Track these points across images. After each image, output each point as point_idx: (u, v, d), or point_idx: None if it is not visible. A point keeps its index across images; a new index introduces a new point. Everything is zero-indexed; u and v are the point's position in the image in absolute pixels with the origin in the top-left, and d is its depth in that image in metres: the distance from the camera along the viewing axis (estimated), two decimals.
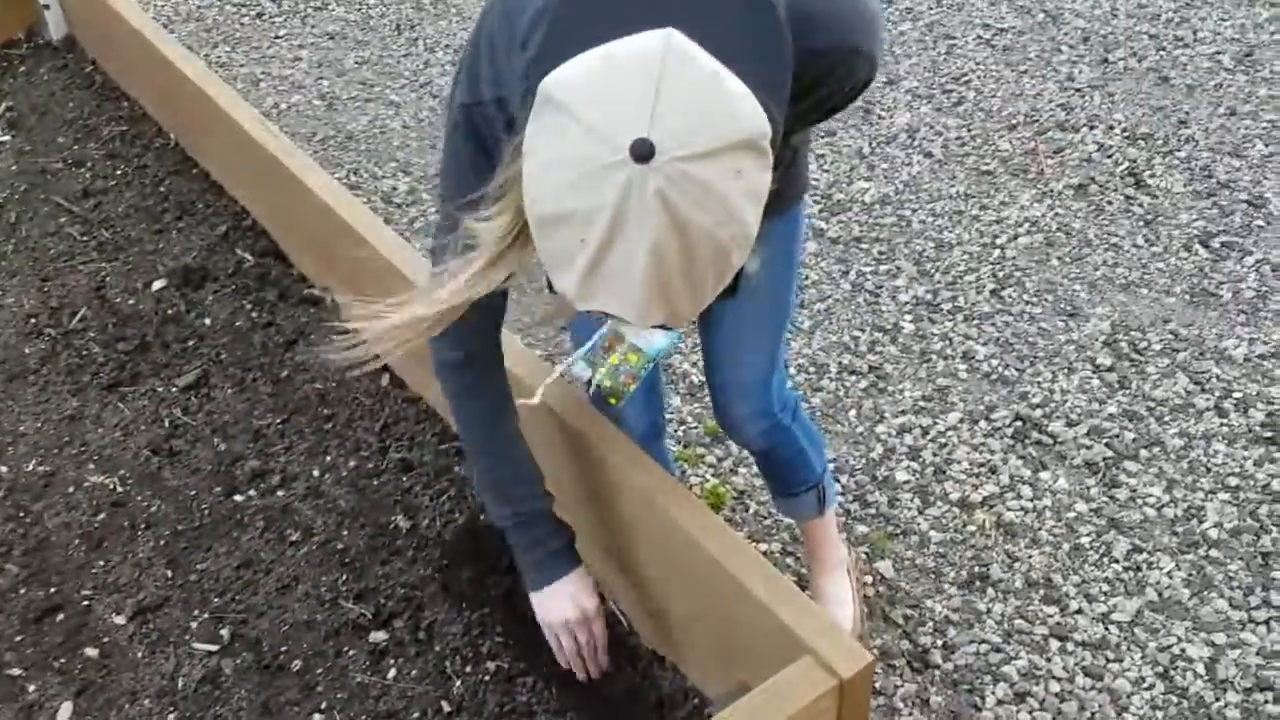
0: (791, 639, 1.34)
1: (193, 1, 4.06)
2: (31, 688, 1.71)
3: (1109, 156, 3.19)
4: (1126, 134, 3.26)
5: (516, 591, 1.79)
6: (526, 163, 0.97)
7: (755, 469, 2.31)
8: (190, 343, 2.32)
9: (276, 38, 3.79)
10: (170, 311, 2.39)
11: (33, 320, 2.36)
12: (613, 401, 1.57)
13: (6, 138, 2.96)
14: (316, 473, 2.05)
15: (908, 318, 2.70)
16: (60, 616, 1.80)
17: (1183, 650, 1.95)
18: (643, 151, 0.89)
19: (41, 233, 2.61)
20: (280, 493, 2.02)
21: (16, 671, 1.73)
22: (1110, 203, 3.02)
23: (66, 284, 2.46)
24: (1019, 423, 2.40)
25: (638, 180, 0.90)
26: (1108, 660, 1.95)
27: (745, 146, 0.93)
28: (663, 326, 1.03)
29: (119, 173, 2.82)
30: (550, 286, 1.05)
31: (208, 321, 2.37)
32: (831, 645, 1.32)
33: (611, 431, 1.65)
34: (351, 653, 1.77)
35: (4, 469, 2.05)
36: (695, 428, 2.42)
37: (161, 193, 2.74)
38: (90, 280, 2.47)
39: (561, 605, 1.56)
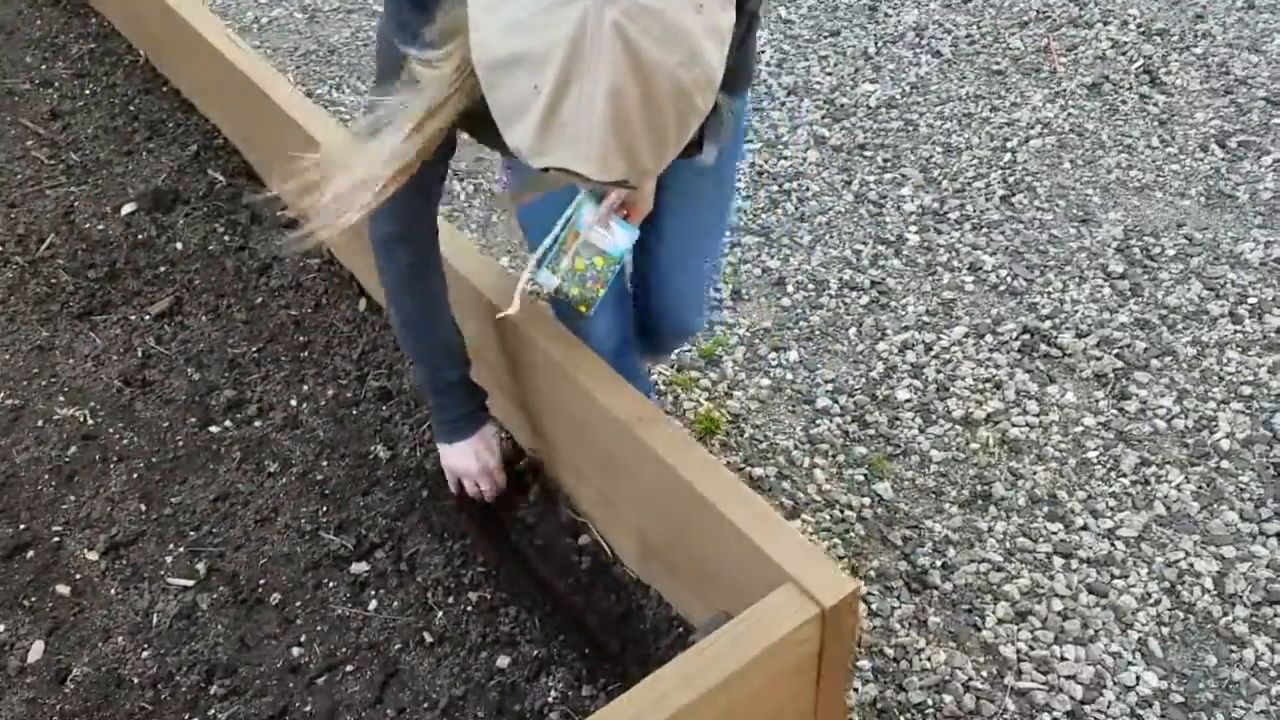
0: (772, 567, 1.27)
1: None
2: (1, 627, 1.67)
3: (1123, 54, 3.04)
4: (1141, 29, 3.10)
5: (495, 518, 1.75)
6: (473, 4, 0.92)
7: (750, 393, 2.24)
8: (162, 269, 2.24)
9: None
10: (141, 236, 2.30)
11: (0, 248, 2.29)
12: (583, 309, 1.50)
13: None
14: (294, 402, 1.98)
15: (913, 229, 2.59)
16: (30, 554, 1.76)
17: (1190, 565, 1.88)
18: None
19: (8, 157, 2.52)
20: (257, 423, 1.96)
21: None
22: (1124, 102, 2.88)
23: (34, 209, 2.38)
24: (1026, 335, 2.31)
25: (594, 13, 0.84)
26: (1113, 576, 1.88)
27: None
28: (622, 183, 0.95)
29: (87, 92, 2.71)
30: (504, 150, 0.99)
31: (179, 246, 2.28)
32: (814, 573, 1.25)
33: (586, 354, 1.57)
34: (332, 585, 1.72)
35: None
36: (688, 351, 2.33)
37: (131, 112, 2.63)
38: (58, 205, 2.38)
39: (465, 459, 1.66)
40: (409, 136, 1.06)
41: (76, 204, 2.38)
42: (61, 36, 2.90)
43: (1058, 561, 1.91)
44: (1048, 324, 2.33)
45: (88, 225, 2.33)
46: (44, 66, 2.80)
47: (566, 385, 1.58)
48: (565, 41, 0.85)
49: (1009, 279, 2.44)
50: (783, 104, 2.99)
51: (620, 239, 1.46)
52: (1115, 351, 2.26)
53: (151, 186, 2.40)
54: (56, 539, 1.77)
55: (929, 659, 1.77)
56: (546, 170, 0.94)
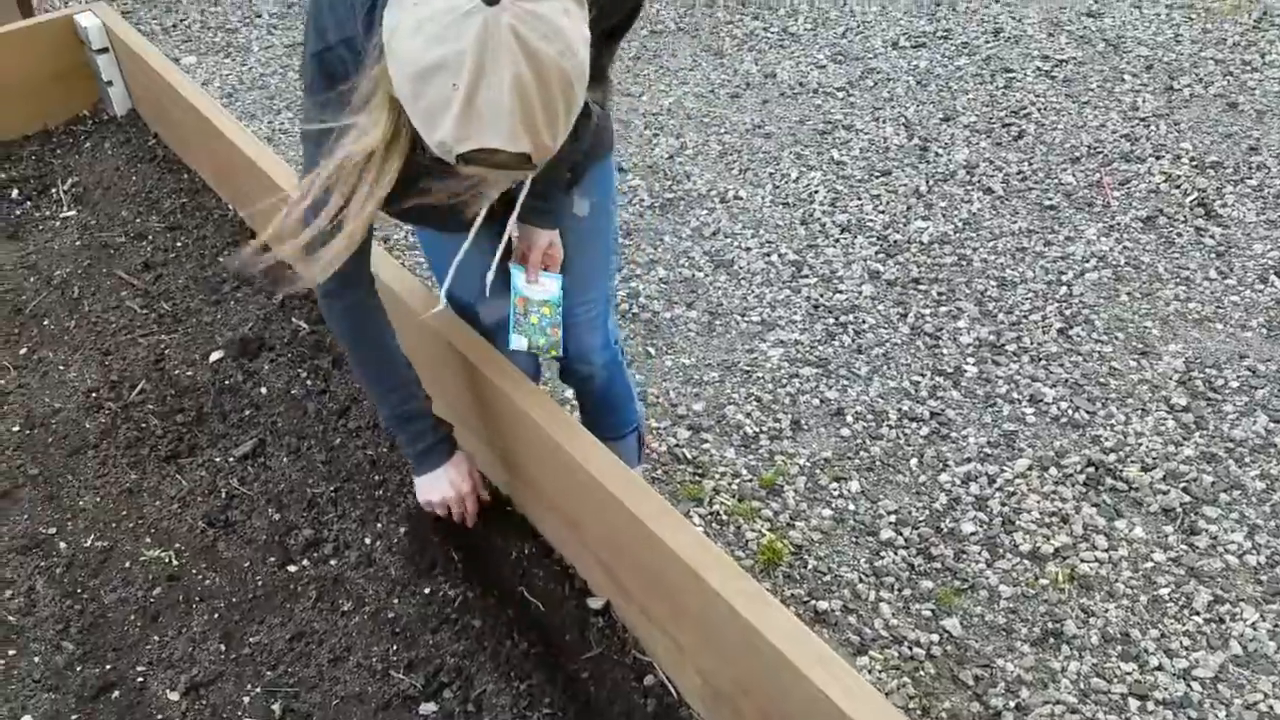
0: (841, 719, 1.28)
1: (257, 70, 4.17)
2: None
3: (1177, 187, 3.09)
4: (1195, 163, 3.16)
5: (562, 663, 1.77)
6: (392, 41, 1.13)
7: (812, 523, 2.26)
8: (247, 412, 2.34)
9: None
10: (228, 382, 2.41)
11: (94, 394, 2.41)
12: (553, 354, 1.85)
13: (72, 213, 3.04)
14: (368, 540, 2.04)
15: (970, 360, 2.62)
16: (115, 694, 1.81)
17: (1271, 708, 1.84)
18: None
19: (104, 307, 2.67)
20: (333, 562, 2.02)
21: None
22: (1180, 235, 2.92)
23: (127, 357, 2.51)
24: (1091, 468, 2.31)
25: (492, 20, 1.07)
26: (1190, 719, 1.85)
27: None
28: (526, 159, 1.15)
29: (179, 245, 2.87)
30: (425, 152, 1.19)
31: (264, 390, 2.39)
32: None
33: (638, 484, 1.62)
34: None
35: (63, 545, 2.08)
36: (750, 480, 2.37)
37: (220, 263, 2.79)
38: (150, 353, 2.51)
39: (441, 488, 1.85)
40: (370, 187, 1.28)
41: (167, 351, 2.51)
42: (155, 192, 3.09)
43: (1133, 703, 1.88)
44: (1112, 457, 2.33)
45: (177, 371, 2.45)
46: (139, 220, 2.98)
47: (632, 526, 1.62)
48: (473, 44, 1.07)
49: (1070, 411, 2.45)
50: (837, 240, 3.07)
51: (552, 286, 1.81)
52: (1182, 485, 2.25)
53: (238, 334, 2.53)
54: (140, 679, 1.83)
55: None
56: (465, 160, 1.14)
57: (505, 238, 1.71)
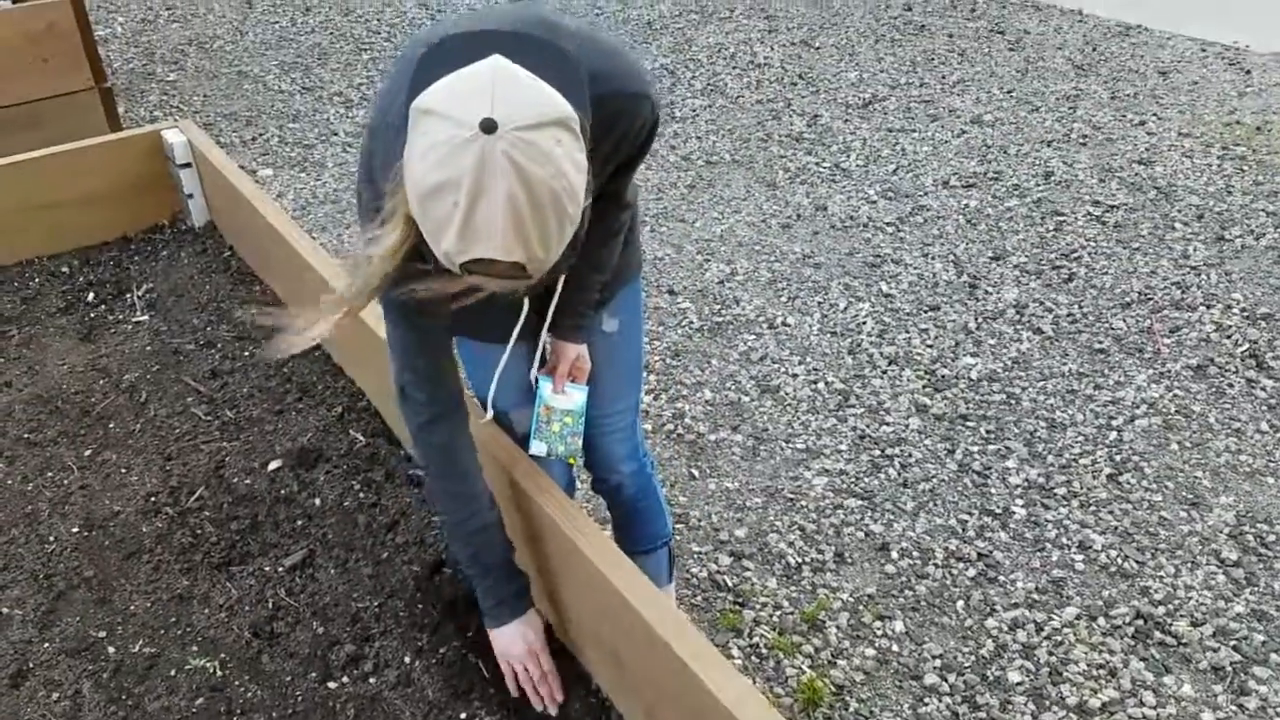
0: None
1: (330, 185, 4.34)
2: None
3: (1228, 337, 3.10)
4: (1246, 314, 3.16)
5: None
6: (407, 168, 1.25)
7: (855, 663, 2.23)
8: (299, 522, 2.39)
9: None
10: (284, 491, 2.47)
11: (153, 499, 2.47)
12: (571, 461, 1.95)
13: (144, 318, 3.16)
14: (407, 659, 2.06)
15: (1019, 502, 2.61)
16: None
17: None
18: (489, 125, 1.18)
19: (169, 412, 2.76)
20: (372, 680, 2.03)
21: None
22: (1231, 385, 2.92)
23: (188, 463, 2.58)
24: (1140, 620, 2.28)
25: (489, 146, 1.18)
26: None
27: (561, 124, 1.22)
28: (521, 268, 1.25)
29: (246, 354, 2.97)
30: (436, 263, 1.31)
31: (317, 501, 2.44)
32: None
33: (705, 647, 1.62)
34: None
35: (112, 650, 2.11)
36: (791, 613, 2.35)
37: (285, 374, 2.87)
38: (210, 459, 2.58)
39: (514, 642, 1.87)
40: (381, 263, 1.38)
41: (227, 459, 2.58)
42: (227, 302, 3.21)
43: None
44: (1161, 610, 2.30)
45: (235, 479, 2.51)
46: (209, 329, 3.09)
47: (679, 670, 1.62)
48: (472, 167, 1.19)
49: (1119, 560, 2.43)
50: (884, 372, 3.09)
51: (577, 397, 1.89)
52: (1232, 643, 2.21)
53: (298, 445, 2.60)
54: None
55: None
56: (466, 269, 1.25)
57: (539, 350, 1.83)
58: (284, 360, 2.91)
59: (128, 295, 3.28)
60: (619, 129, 1.51)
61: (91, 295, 3.28)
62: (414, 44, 1.50)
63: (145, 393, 2.83)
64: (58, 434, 2.71)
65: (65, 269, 3.45)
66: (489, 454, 1.99)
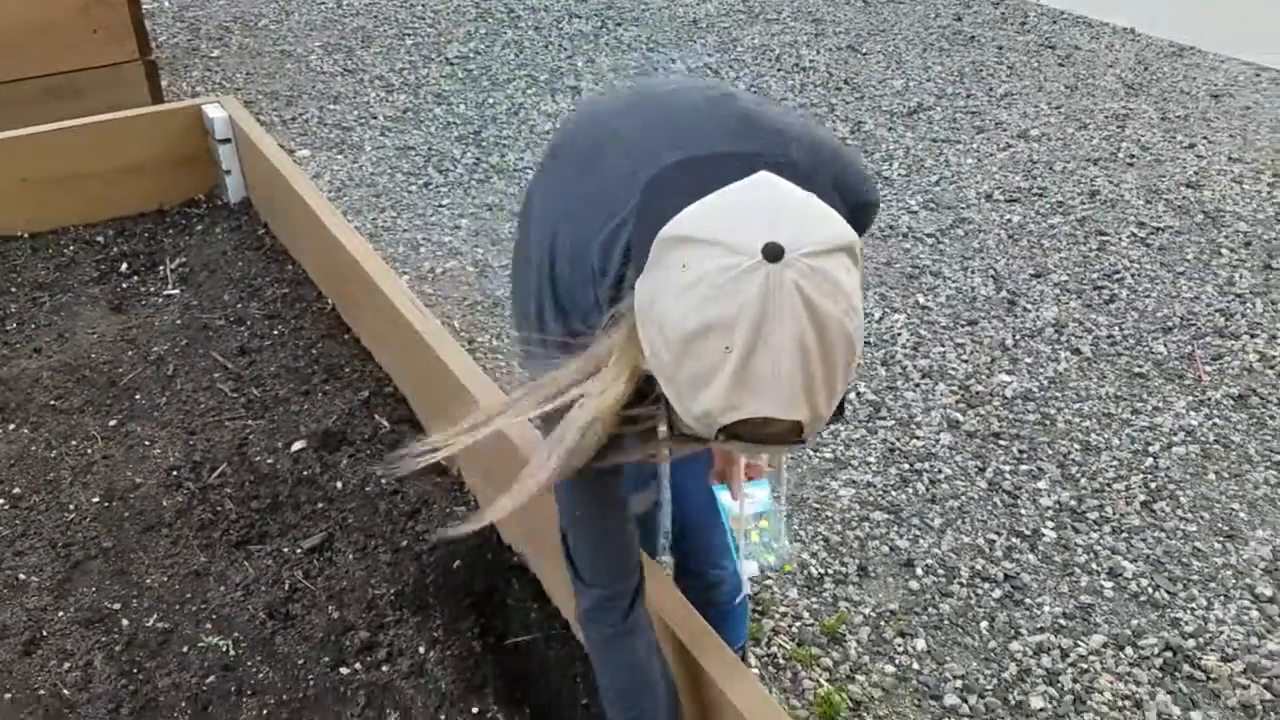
0: None
1: (367, 168, 4.33)
2: None
3: (1271, 367, 3.03)
4: None
5: None
6: (655, 307, 1.04)
7: (873, 679, 2.19)
8: (320, 505, 2.37)
9: (439, 206, 3.99)
10: (306, 473, 2.45)
11: (174, 473, 2.46)
12: (787, 568, 1.81)
13: (175, 292, 3.16)
14: (421, 649, 2.03)
15: (1049, 524, 2.56)
16: None
17: None
18: (775, 251, 0.97)
19: (195, 386, 2.75)
20: (385, 668, 2.01)
21: None
22: (1273, 416, 2.85)
23: (211, 439, 2.57)
24: (1169, 653, 2.22)
25: (775, 276, 0.97)
26: None
27: (847, 250, 1.02)
28: (798, 429, 1.03)
29: (275, 333, 2.96)
30: (671, 428, 1.10)
31: (339, 485, 2.42)
32: None
33: (715, 642, 1.59)
34: None
35: (125, 623, 2.10)
36: (811, 625, 2.31)
37: (313, 355, 2.86)
38: (234, 437, 2.57)
39: None
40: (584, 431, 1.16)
41: (251, 437, 2.57)
42: (259, 279, 3.20)
43: None
44: (1191, 643, 2.24)
45: (258, 458, 2.50)
46: (239, 305, 3.08)
47: (699, 677, 1.59)
48: (754, 302, 0.97)
49: (1150, 589, 2.37)
50: (917, 385, 3.05)
51: (760, 495, 1.69)
52: (1264, 681, 2.15)
53: (322, 427, 2.58)
54: None
55: None
56: (728, 433, 1.03)
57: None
58: (314, 341, 2.90)
59: (160, 268, 3.28)
60: None
61: (125, 266, 3.29)
62: (568, 140, 1.33)
63: (173, 366, 2.83)
64: (84, 402, 2.70)
65: (100, 239, 3.45)
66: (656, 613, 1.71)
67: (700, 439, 1.08)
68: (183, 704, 1.93)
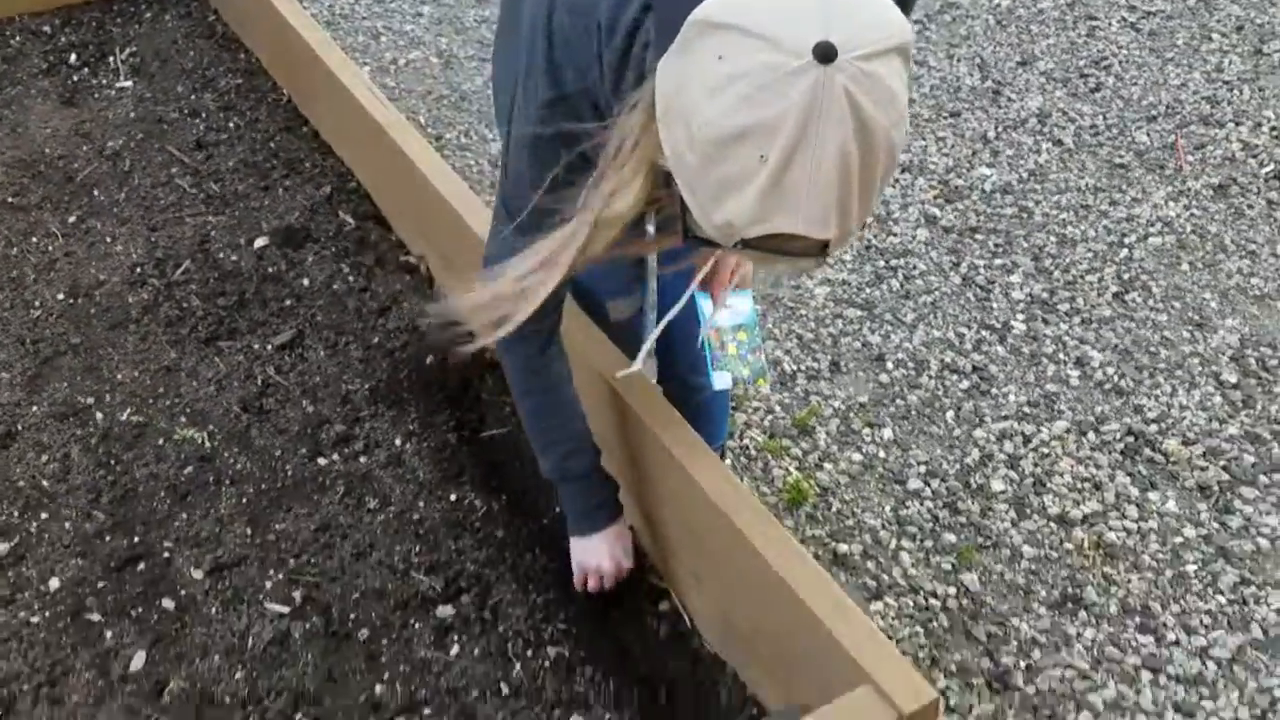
0: (851, 664, 1.28)
1: None
2: (109, 634, 1.75)
3: (1254, 156, 2.99)
4: (1275, 133, 3.05)
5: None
6: (681, 98, 0.96)
7: (841, 466, 2.24)
8: (288, 302, 2.35)
9: None
10: (271, 270, 2.42)
11: (138, 269, 2.42)
12: (761, 383, 1.73)
13: (128, 84, 3.03)
14: (398, 441, 2.06)
15: (1020, 317, 2.57)
16: (141, 566, 1.85)
17: None
18: (828, 52, 0.89)
19: (154, 182, 2.67)
20: (362, 459, 2.03)
21: (96, 617, 1.78)
22: (1251, 206, 2.83)
23: (173, 235, 2.51)
24: (1130, 437, 2.28)
25: (825, 80, 0.89)
26: (1201, 697, 1.84)
27: (901, 51, 0.94)
28: (824, 247, 0.98)
29: (232, 125, 2.86)
30: (686, 233, 1.03)
31: (306, 282, 2.39)
32: (894, 676, 1.26)
33: (686, 432, 1.61)
34: (418, 625, 1.77)
35: (99, 416, 2.11)
36: (783, 419, 2.35)
37: (271, 149, 2.77)
38: (196, 233, 2.52)
39: (598, 555, 1.67)
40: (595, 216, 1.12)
41: (213, 233, 2.51)
42: (212, 69, 3.06)
43: (1145, 676, 1.87)
44: (1153, 428, 2.29)
45: (222, 255, 2.46)
46: (193, 97, 2.96)
47: (667, 463, 1.62)
48: (798, 108, 0.90)
49: (1116, 378, 2.41)
50: (896, 180, 3.00)
51: (742, 306, 1.63)
52: (1222, 463, 2.21)
53: (285, 223, 2.52)
54: (166, 555, 1.87)
55: None
56: (749, 244, 0.97)
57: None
58: (271, 134, 2.80)
59: (110, 59, 3.13)
60: None
61: (74, 57, 3.14)
62: None
63: (129, 161, 2.74)
64: (41, 199, 2.63)
65: (46, 28, 3.28)
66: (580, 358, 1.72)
67: (711, 243, 1.03)
68: (161, 493, 1.96)
